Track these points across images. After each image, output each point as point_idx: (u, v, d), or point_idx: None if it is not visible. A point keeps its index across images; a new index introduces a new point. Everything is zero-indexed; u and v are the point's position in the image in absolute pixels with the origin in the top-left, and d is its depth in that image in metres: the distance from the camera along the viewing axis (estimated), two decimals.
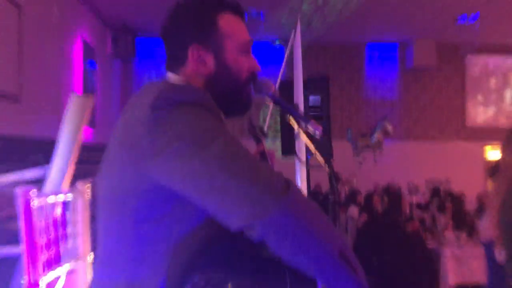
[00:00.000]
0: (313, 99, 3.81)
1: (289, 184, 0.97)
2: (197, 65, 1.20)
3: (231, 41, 1.21)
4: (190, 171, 0.97)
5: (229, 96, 1.22)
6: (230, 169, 0.96)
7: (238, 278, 0.97)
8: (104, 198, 1.13)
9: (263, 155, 1.41)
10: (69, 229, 1.54)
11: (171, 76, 1.22)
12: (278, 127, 4.02)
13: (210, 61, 1.20)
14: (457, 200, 6.46)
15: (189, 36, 1.20)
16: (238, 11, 1.26)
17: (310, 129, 1.26)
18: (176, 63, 1.23)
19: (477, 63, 11.11)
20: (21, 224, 1.33)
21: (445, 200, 7.21)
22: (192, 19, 1.21)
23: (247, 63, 1.24)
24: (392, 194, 6.30)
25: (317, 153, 1.31)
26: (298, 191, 0.99)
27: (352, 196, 7.38)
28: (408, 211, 6.75)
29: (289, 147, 3.70)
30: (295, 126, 1.34)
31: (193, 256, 1.02)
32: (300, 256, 0.95)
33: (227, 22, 1.22)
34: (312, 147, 1.31)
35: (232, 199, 0.94)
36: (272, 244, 0.95)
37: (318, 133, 1.27)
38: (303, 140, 1.30)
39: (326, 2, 7.88)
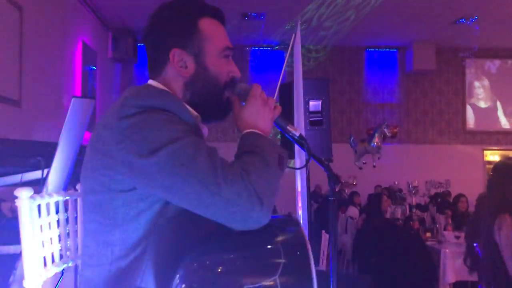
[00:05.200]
0: (313, 104, 3.83)
1: (251, 181, 1.02)
2: (178, 68, 1.22)
3: (211, 44, 1.23)
4: (173, 186, 1.02)
5: (208, 99, 1.24)
6: (209, 188, 1.00)
7: (231, 259, 0.98)
8: (85, 200, 1.17)
9: None
10: (68, 229, 1.55)
11: (152, 82, 1.24)
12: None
13: (190, 64, 1.22)
14: (456, 201, 6.49)
15: (170, 40, 1.22)
16: (218, 17, 1.28)
17: (291, 131, 1.27)
18: (157, 68, 1.25)
19: (476, 67, 11.13)
20: (21, 224, 1.34)
21: (445, 201, 7.26)
22: (173, 24, 1.23)
23: (226, 68, 1.26)
24: (372, 195, 6.38)
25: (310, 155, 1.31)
26: (254, 177, 1.03)
27: (351, 197, 7.44)
28: (407, 211, 6.78)
29: (288, 152, 3.71)
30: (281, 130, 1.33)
31: (184, 245, 1.04)
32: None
33: (208, 26, 1.24)
34: (300, 148, 1.31)
35: (223, 216, 1.01)
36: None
37: (297, 136, 1.27)
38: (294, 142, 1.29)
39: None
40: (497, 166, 2.90)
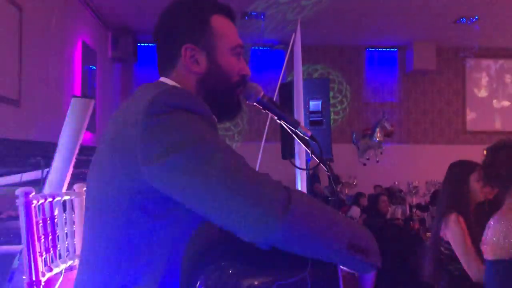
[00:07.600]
0: (314, 103, 3.83)
1: (290, 198, 0.97)
2: (191, 64, 1.20)
3: (223, 41, 1.23)
4: (192, 185, 0.97)
5: (219, 97, 1.23)
6: (232, 187, 0.95)
7: (254, 269, 0.99)
8: (93, 200, 1.12)
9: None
10: (67, 229, 1.55)
11: (165, 80, 1.22)
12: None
13: (202, 60, 1.21)
14: None
15: (182, 35, 1.21)
16: (230, 15, 1.28)
17: (300, 134, 1.26)
18: (168, 65, 1.23)
19: (477, 67, 11.12)
20: (22, 224, 1.34)
21: None
22: (186, 19, 1.22)
23: (237, 66, 1.25)
24: (370, 196, 6.39)
25: (314, 156, 1.31)
26: (300, 199, 0.99)
27: (356, 198, 7.44)
28: (407, 212, 6.78)
29: (289, 151, 3.71)
30: (288, 130, 1.33)
31: (202, 252, 1.02)
32: (310, 256, 1.02)
33: (220, 24, 1.24)
34: (308, 150, 1.31)
35: (236, 218, 0.95)
36: (283, 251, 0.98)
37: (308, 136, 1.27)
38: (301, 143, 1.29)
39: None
40: (453, 165, 2.98)
